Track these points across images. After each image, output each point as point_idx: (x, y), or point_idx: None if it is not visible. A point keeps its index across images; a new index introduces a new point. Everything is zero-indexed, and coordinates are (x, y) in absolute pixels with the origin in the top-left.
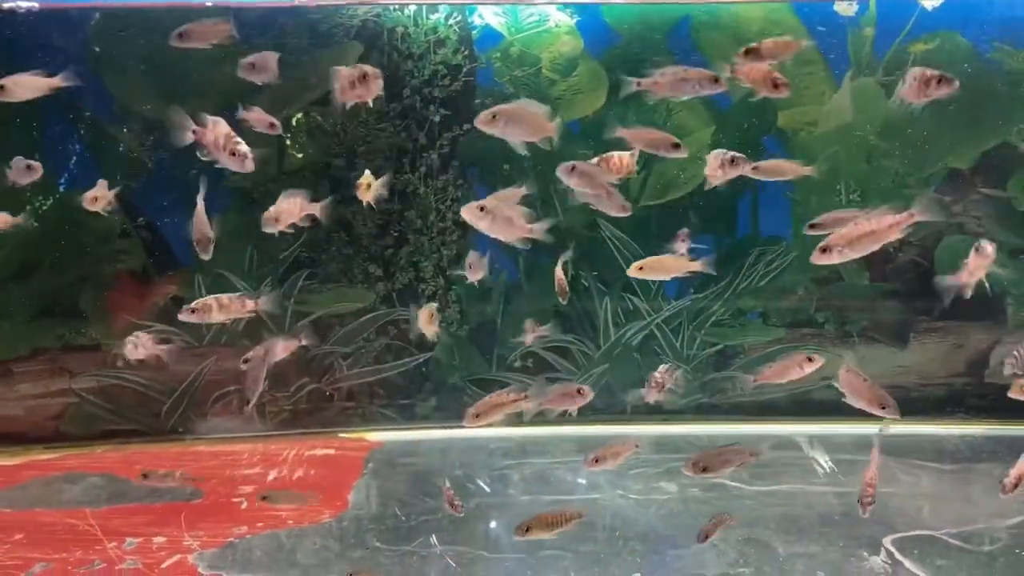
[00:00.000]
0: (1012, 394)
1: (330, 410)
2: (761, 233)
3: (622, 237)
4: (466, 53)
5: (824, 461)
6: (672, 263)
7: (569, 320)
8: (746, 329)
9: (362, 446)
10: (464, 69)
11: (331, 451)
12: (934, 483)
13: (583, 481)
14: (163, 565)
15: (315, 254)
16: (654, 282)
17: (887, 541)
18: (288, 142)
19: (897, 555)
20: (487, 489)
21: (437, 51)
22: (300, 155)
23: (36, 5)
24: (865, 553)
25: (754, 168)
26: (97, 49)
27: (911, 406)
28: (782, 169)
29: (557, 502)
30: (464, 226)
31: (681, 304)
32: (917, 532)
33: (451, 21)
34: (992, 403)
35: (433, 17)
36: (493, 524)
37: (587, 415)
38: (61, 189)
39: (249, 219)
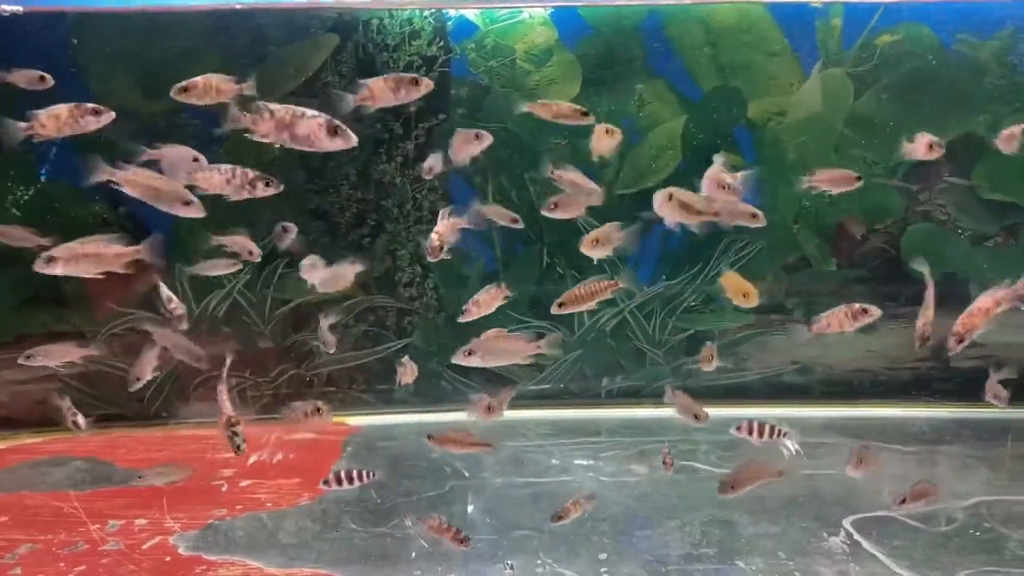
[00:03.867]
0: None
1: (310, 395)
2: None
3: (596, 224)
4: (441, 44)
5: (791, 444)
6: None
7: (544, 306)
8: (716, 315)
9: (341, 430)
10: (439, 60)
11: (311, 435)
12: (897, 465)
13: (556, 463)
14: (144, 546)
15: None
16: (626, 268)
17: (847, 522)
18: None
19: (856, 535)
20: (465, 474)
21: (412, 42)
22: (277, 145)
23: (20, 9)
24: (825, 534)
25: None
26: (76, 42)
27: (878, 389)
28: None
29: (530, 484)
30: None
31: (654, 291)
32: (877, 513)
33: (426, 12)
34: (957, 386)
35: (408, 8)
36: (466, 507)
37: (563, 399)
38: (42, 179)
39: (228, 207)
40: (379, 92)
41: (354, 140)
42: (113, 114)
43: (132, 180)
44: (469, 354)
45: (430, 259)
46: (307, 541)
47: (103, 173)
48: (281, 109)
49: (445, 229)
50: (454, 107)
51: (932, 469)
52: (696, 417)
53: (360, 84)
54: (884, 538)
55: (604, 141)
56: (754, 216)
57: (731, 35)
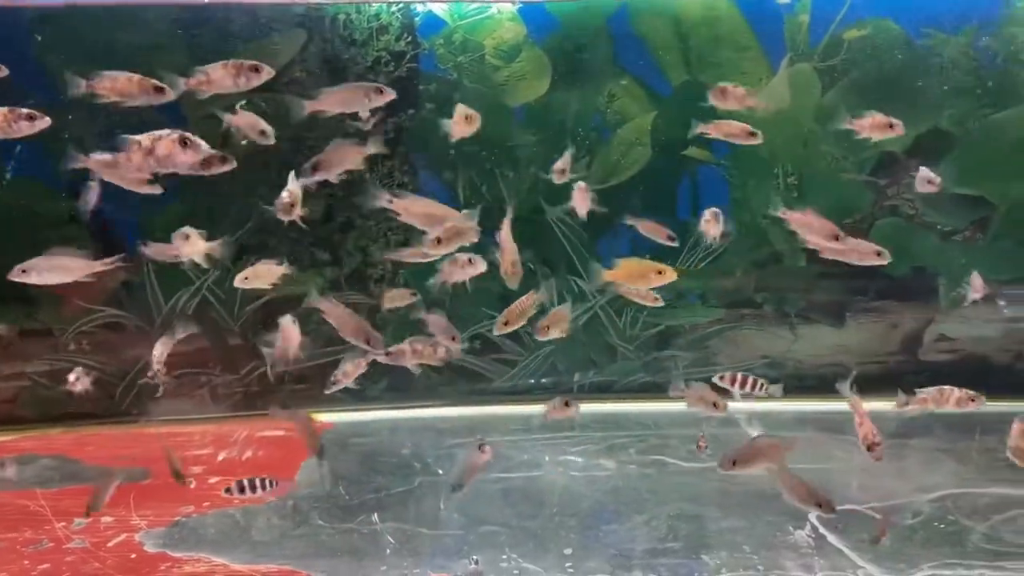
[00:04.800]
0: None
1: (282, 392)
2: (701, 216)
3: (567, 221)
4: (409, 40)
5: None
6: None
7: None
8: (686, 310)
9: (312, 427)
10: (407, 55)
11: (281, 432)
12: (866, 459)
13: (526, 458)
14: (110, 544)
15: (262, 239)
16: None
17: (813, 516)
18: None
19: (821, 529)
20: (439, 472)
21: (380, 38)
22: (244, 142)
23: None
24: (791, 527)
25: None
26: (39, 39)
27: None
28: None
29: (500, 480)
30: None
31: None
32: (844, 506)
33: (393, 8)
34: (927, 381)
35: (375, 4)
36: (434, 502)
37: (535, 395)
38: (8, 176)
39: (195, 205)
40: (217, 78)
41: (205, 149)
42: (48, 120)
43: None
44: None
45: (281, 217)
46: (274, 538)
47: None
48: (145, 138)
49: (296, 188)
50: (423, 103)
51: (901, 463)
52: (715, 406)
53: (197, 70)
54: (849, 531)
55: (461, 127)
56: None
57: (699, 30)
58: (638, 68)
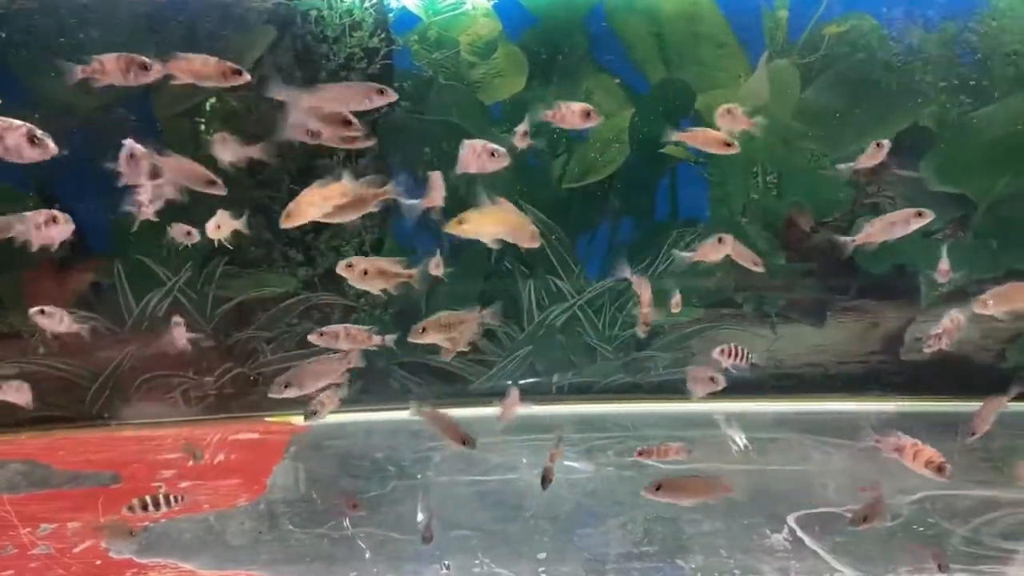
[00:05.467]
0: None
1: (255, 394)
2: (679, 215)
3: (544, 219)
4: (383, 36)
5: (740, 439)
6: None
7: (493, 302)
8: (666, 310)
9: (286, 430)
10: (381, 52)
11: (255, 435)
12: (845, 460)
13: (502, 460)
14: (75, 550)
15: (234, 239)
16: (576, 264)
17: (791, 518)
18: (202, 128)
19: (799, 532)
20: (418, 476)
21: (352, 34)
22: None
23: None
24: (768, 530)
25: None
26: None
27: (829, 384)
28: None
29: (475, 483)
30: (384, 210)
31: (603, 286)
32: (821, 509)
33: (366, 4)
34: (907, 380)
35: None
36: (406, 506)
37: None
38: None
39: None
40: (109, 69)
41: (53, 150)
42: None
43: None
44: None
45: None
46: (243, 543)
47: None
48: None
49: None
50: (397, 100)
51: (880, 464)
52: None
53: (92, 58)
54: (826, 534)
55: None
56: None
57: (677, 26)
58: (615, 65)
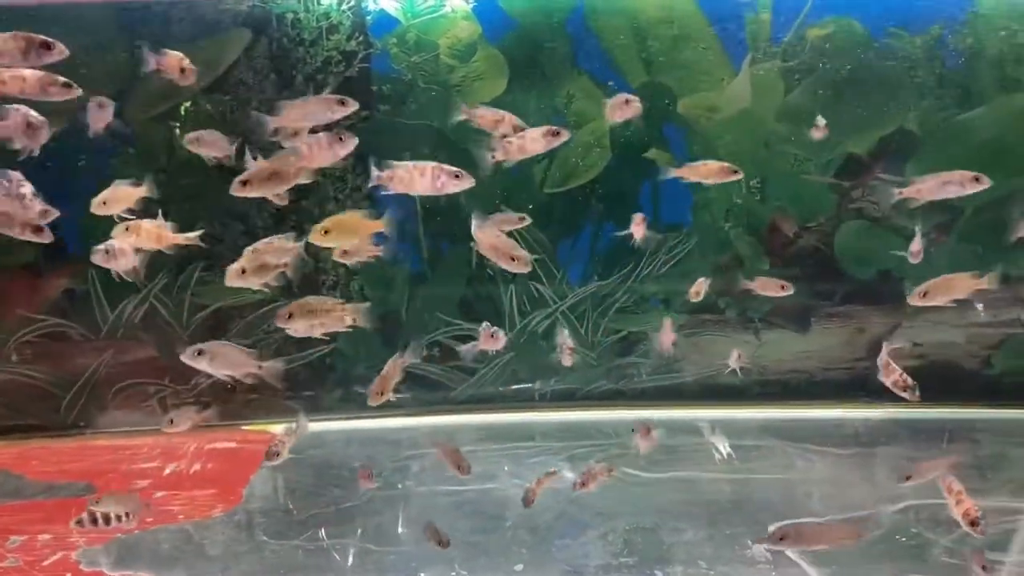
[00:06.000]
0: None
1: (233, 402)
2: (662, 220)
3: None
4: (360, 39)
5: (723, 447)
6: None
7: (474, 308)
8: (648, 316)
9: (264, 439)
10: (359, 55)
11: (232, 444)
12: (829, 468)
13: (482, 469)
14: (45, 562)
15: (210, 245)
16: (558, 269)
17: (772, 529)
18: (178, 131)
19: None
20: (399, 486)
21: (330, 37)
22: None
23: None
24: (749, 541)
25: None
26: None
27: (814, 390)
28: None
29: (452, 492)
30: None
31: (585, 291)
32: (804, 519)
33: (344, 6)
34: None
35: (325, 2)
36: (384, 517)
37: (495, 402)
38: None
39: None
40: (7, 50)
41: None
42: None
43: None
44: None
45: None
46: (217, 554)
47: None
48: None
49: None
50: (377, 104)
51: (865, 472)
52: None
53: None
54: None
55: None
56: None
57: (658, 30)
58: (597, 69)
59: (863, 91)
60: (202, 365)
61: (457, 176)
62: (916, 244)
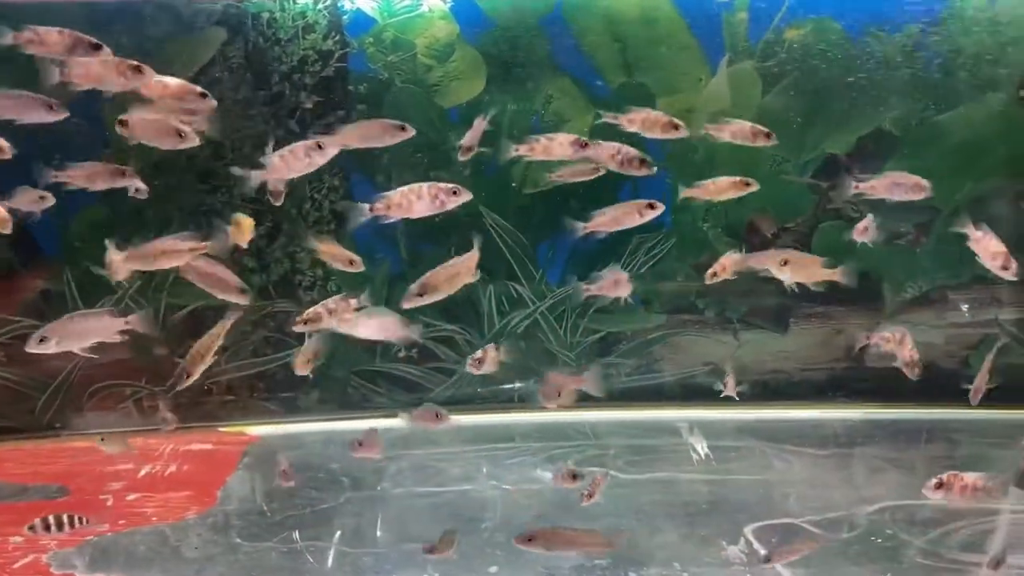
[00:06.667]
0: None
1: (209, 404)
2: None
3: (505, 225)
4: (337, 38)
5: (701, 448)
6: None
7: (453, 309)
8: (628, 316)
9: (241, 440)
10: (335, 55)
11: (208, 446)
12: (807, 469)
13: (458, 471)
14: (15, 565)
15: None
16: (537, 270)
17: (748, 530)
18: None
19: (755, 544)
20: (379, 487)
21: (306, 36)
22: None
23: None
24: (724, 542)
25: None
26: None
27: (793, 391)
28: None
29: (430, 494)
30: (340, 215)
31: (564, 292)
32: (779, 520)
33: (320, 5)
34: (872, 387)
35: (301, 1)
36: (358, 519)
37: (475, 404)
38: None
39: (114, 210)
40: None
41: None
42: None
43: None
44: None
45: None
46: (189, 557)
47: None
48: None
49: None
50: (353, 103)
51: (842, 473)
52: None
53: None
54: (783, 546)
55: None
56: None
57: (636, 30)
58: (576, 69)
59: (841, 91)
60: (50, 348)
61: (455, 192)
62: (866, 222)
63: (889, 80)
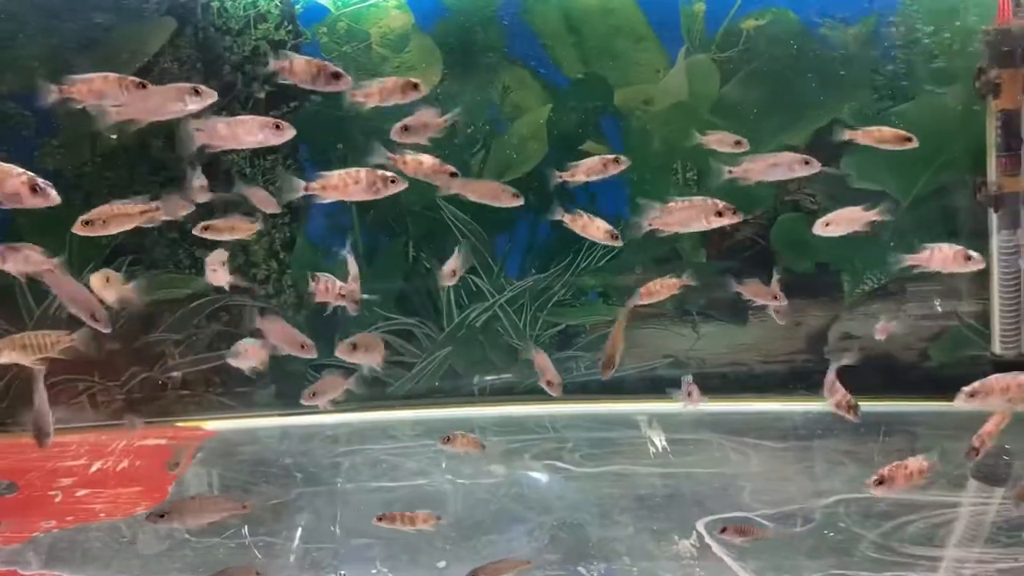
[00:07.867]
0: None
1: (165, 399)
2: (599, 213)
3: (463, 218)
4: (289, 28)
5: (659, 441)
6: None
7: (412, 302)
8: (586, 309)
9: (197, 435)
10: (288, 45)
11: (163, 441)
12: (764, 462)
13: (413, 466)
14: None
15: (138, 239)
16: (496, 262)
17: (700, 524)
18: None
19: (707, 538)
20: (337, 483)
21: (258, 26)
22: (114, 136)
23: None
24: (676, 536)
25: None
26: None
27: (754, 384)
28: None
29: (383, 489)
30: (295, 208)
31: (523, 285)
32: (733, 514)
33: None
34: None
35: None
36: (309, 514)
37: (434, 397)
38: None
39: (65, 203)
40: None
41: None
42: None
43: None
44: None
45: None
46: (135, 553)
47: None
48: None
49: None
50: (307, 94)
51: (799, 466)
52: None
53: None
54: (734, 540)
55: None
56: None
57: (593, 20)
58: (532, 60)
59: (798, 83)
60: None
61: (392, 181)
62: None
63: (847, 71)
